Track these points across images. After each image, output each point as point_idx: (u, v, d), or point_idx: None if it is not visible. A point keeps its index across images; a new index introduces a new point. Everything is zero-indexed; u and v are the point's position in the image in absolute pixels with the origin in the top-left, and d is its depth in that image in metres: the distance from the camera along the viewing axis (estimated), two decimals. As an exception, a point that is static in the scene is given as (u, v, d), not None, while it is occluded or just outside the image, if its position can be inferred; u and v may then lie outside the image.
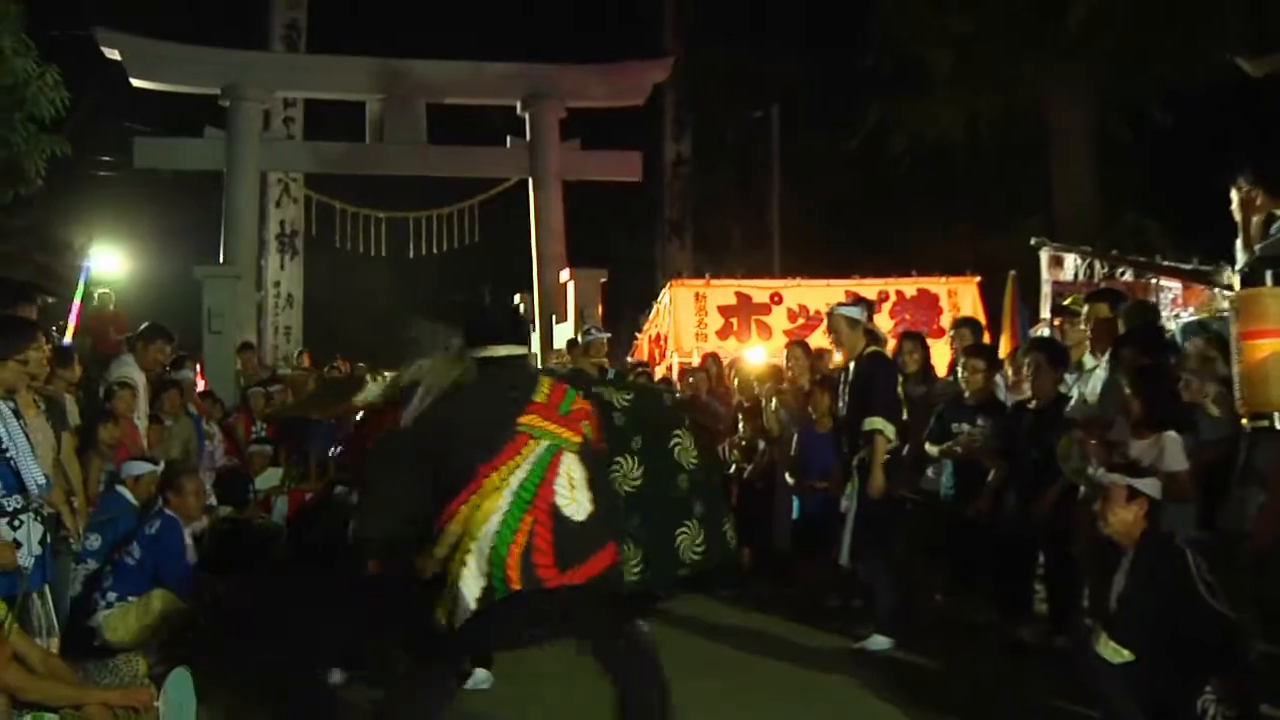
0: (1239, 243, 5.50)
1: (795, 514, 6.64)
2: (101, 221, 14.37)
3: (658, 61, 15.98)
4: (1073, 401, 5.24)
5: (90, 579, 5.00)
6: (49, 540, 3.94)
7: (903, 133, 14.78)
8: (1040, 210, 13.89)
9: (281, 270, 16.97)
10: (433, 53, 14.61)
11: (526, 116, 14.55)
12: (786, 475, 6.67)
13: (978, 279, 11.02)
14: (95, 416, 5.63)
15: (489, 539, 3.04)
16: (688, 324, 10.82)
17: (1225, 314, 5.31)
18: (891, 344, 6.51)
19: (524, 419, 3.21)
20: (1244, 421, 4.53)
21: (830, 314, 5.61)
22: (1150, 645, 3.53)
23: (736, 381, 8.21)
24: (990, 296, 10.48)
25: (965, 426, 5.70)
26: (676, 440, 3.49)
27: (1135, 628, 3.58)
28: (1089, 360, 5.60)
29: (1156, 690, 3.51)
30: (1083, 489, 4.65)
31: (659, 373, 10.09)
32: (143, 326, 6.91)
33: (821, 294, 10.44)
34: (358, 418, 5.27)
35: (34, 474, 3.80)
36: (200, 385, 9.63)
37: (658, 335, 11.46)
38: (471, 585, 3.02)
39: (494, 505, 3.07)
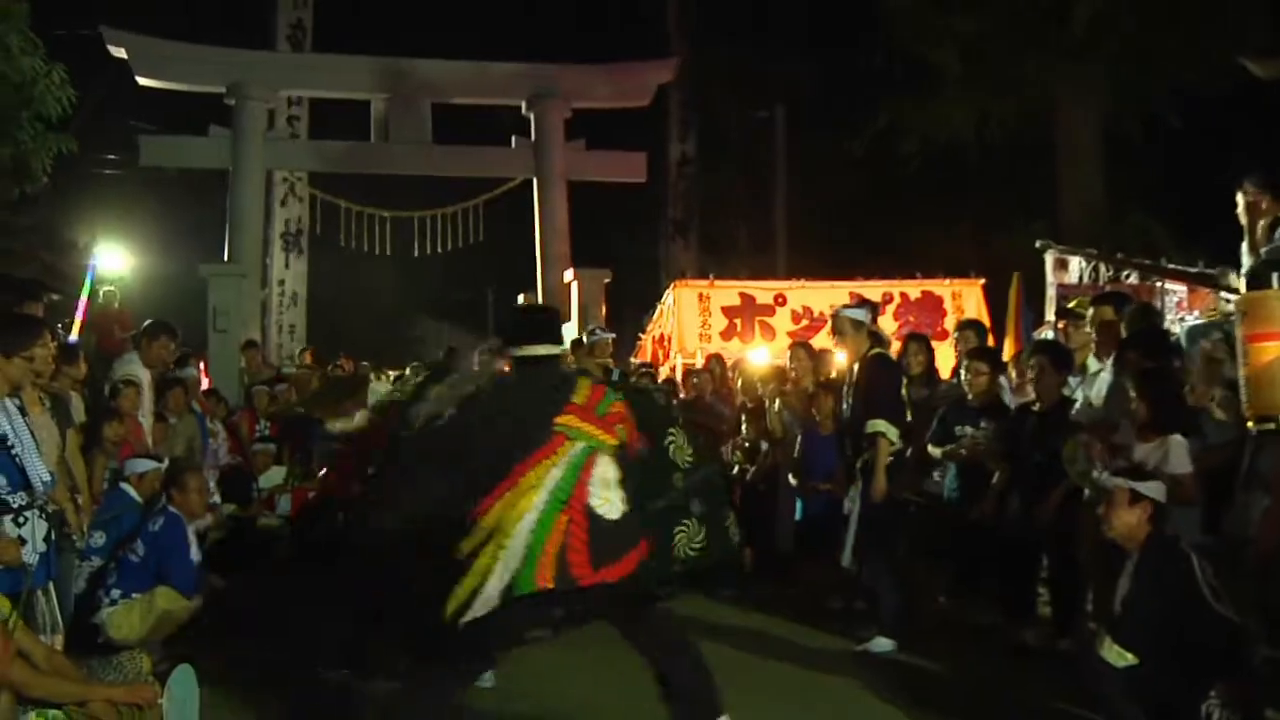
0: (1245, 246, 5.49)
1: (798, 515, 6.64)
2: (107, 219, 14.43)
3: (663, 62, 15.98)
4: (1078, 405, 5.23)
5: (94, 576, 5.01)
6: (53, 537, 3.95)
7: (913, 134, 14.76)
8: (1047, 212, 13.87)
9: (286, 269, 16.99)
10: (438, 52, 14.62)
11: (531, 116, 14.55)
12: (789, 477, 6.66)
13: (982, 281, 11.00)
14: (100, 414, 5.64)
15: (524, 536, 3.09)
16: (691, 325, 10.81)
17: (1231, 317, 5.30)
18: (896, 346, 6.50)
19: (561, 419, 3.27)
20: (1249, 424, 4.52)
21: (835, 316, 5.60)
22: (1154, 649, 3.52)
23: (740, 383, 8.20)
24: (995, 299, 10.47)
25: (968, 429, 5.69)
26: (671, 439, 3.53)
27: (1139, 631, 3.57)
28: (1093, 363, 5.59)
29: (1160, 694, 3.50)
30: (1087, 492, 4.65)
31: (662, 373, 10.09)
32: (146, 323, 6.92)
33: (826, 295, 10.43)
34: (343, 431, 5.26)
35: (39, 471, 3.81)
36: (204, 383, 9.64)
37: (661, 336, 11.45)
38: (497, 580, 3.07)
39: (529, 503, 3.12)
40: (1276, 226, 5.25)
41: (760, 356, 9.78)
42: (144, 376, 6.38)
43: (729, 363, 9.05)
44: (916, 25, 13.86)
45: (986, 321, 9.04)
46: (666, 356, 11.05)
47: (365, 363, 11.20)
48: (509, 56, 14.80)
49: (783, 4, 18.77)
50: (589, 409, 3.32)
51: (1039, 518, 5.03)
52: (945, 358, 7.91)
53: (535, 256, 14.70)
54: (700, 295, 10.98)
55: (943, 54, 13.80)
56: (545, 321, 3.73)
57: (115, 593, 4.83)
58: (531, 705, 4.40)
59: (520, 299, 15.16)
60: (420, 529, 3.32)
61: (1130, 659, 3.53)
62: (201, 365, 10.14)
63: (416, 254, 15.20)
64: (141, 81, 13.47)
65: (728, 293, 11.01)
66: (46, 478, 3.86)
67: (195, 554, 5.16)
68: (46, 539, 3.84)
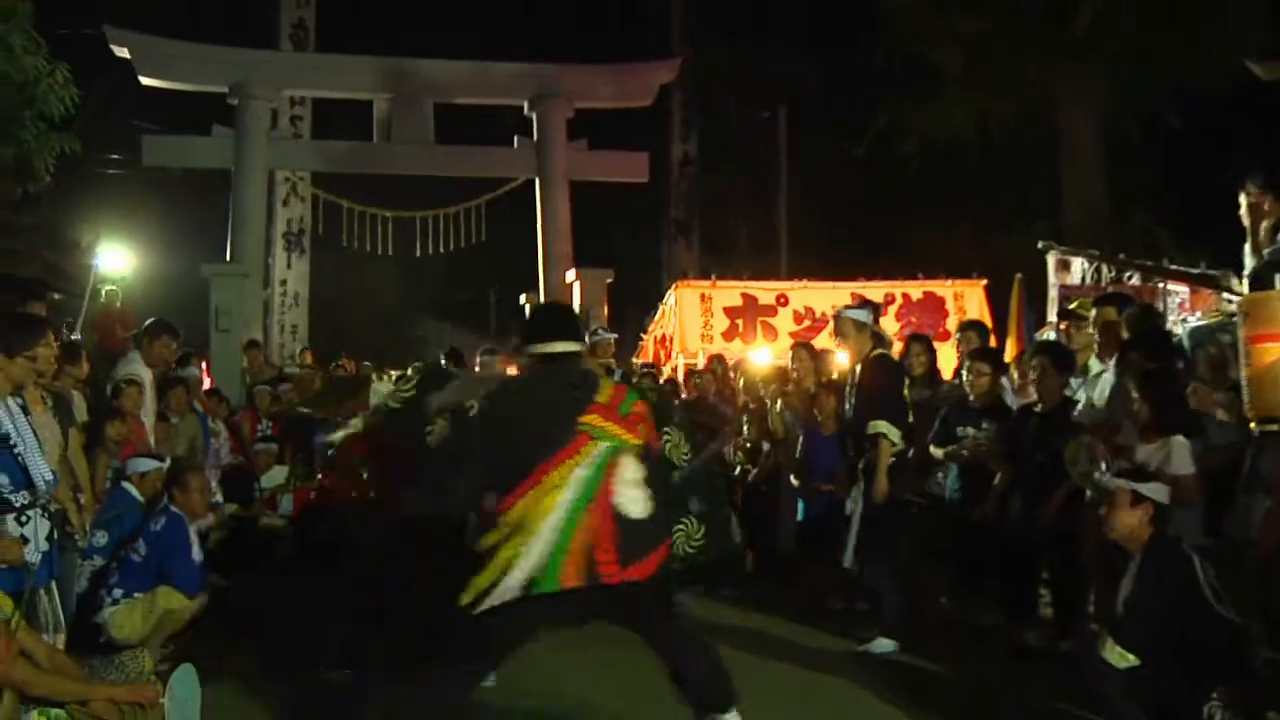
0: (1247, 247, 5.49)
1: (800, 516, 6.64)
2: (109, 219, 14.45)
3: (665, 62, 15.99)
4: (1080, 406, 5.23)
5: (96, 575, 5.01)
6: (56, 536, 3.96)
7: (913, 134, 14.76)
8: (1049, 213, 13.87)
9: (288, 269, 17.01)
10: (441, 52, 14.64)
11: (534, 117, 14.56)
12: (791, 477, 6.66)
13: (984, 282, 11.01)
14: (102, 413, 5.64)
15: (550, 535, 3.12)
16: (693, 325, 10.82)
17: (1234, 318, 5.29)
18: (898, 347, 6.50)
19: (585, 418, 3.29)
20: (1251, 426, 4.52)
21: (837, 317, 5.59)
22: (1156, 651, 3.52)
23: (742, 383, 8.20)
24: (997, 300, 10.47)
25: (970, 430, 5.69)
26: (667, 438, 3.55)
27: (1141, 633, 3.57)
28: (1094, 364, 5.59)
29: (1162, 696, 3.50)
30: (1089, 493, 4.64)
31: (664, 374, 10.09)
32: (148, 322, 6.92)
33: (827, 296, 10.44)
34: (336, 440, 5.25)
35: (41, 470, 3.82)
36: (206, 383, 9.65)
37: (663, 336, 11.46)
38: (520, 574, 3.09)
39: (554, 501, 3.15)
40: (1279, 228, 5.24)
41: (762, 357, 9.78)
42: (146, 376, 6.38)
43: (730, 363, 9.05)
44: (917, 25, 13.86)
45: (988, 322, 9.04)
46: (668, 357, 11.05)
47: (367, 363, 11.20)
48: (512, 56, 14.82)
49: (784, 4, 18.78)
50: (612, 408, 3.35)
51: (1041, 519, 5.03)
52: (947, 358, 7.90)
53: (537, 256, 14.71)
54: (702, 295, 10.99)
55: (943, 54, 13.81)
56: (565, 318, 3.72)
57: (117, 592, 4.84)
58: (531, 705, 4.40)
59: (522, 299, 15.19)
60: (429, 524, 3.34)
61: (1132, 660, 3.53)
62: (203, 365, 10.15)
63: (419, 254, 15.23)
64: (144, 81, 13.49)
65: (730, 293, 11.02)
66: (49, 477, 3.87)
67: (197, 554, 5.16)
68: (49, 538, 3.85)
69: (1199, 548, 3.89)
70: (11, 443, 3.74)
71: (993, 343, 7.50)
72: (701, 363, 9.89)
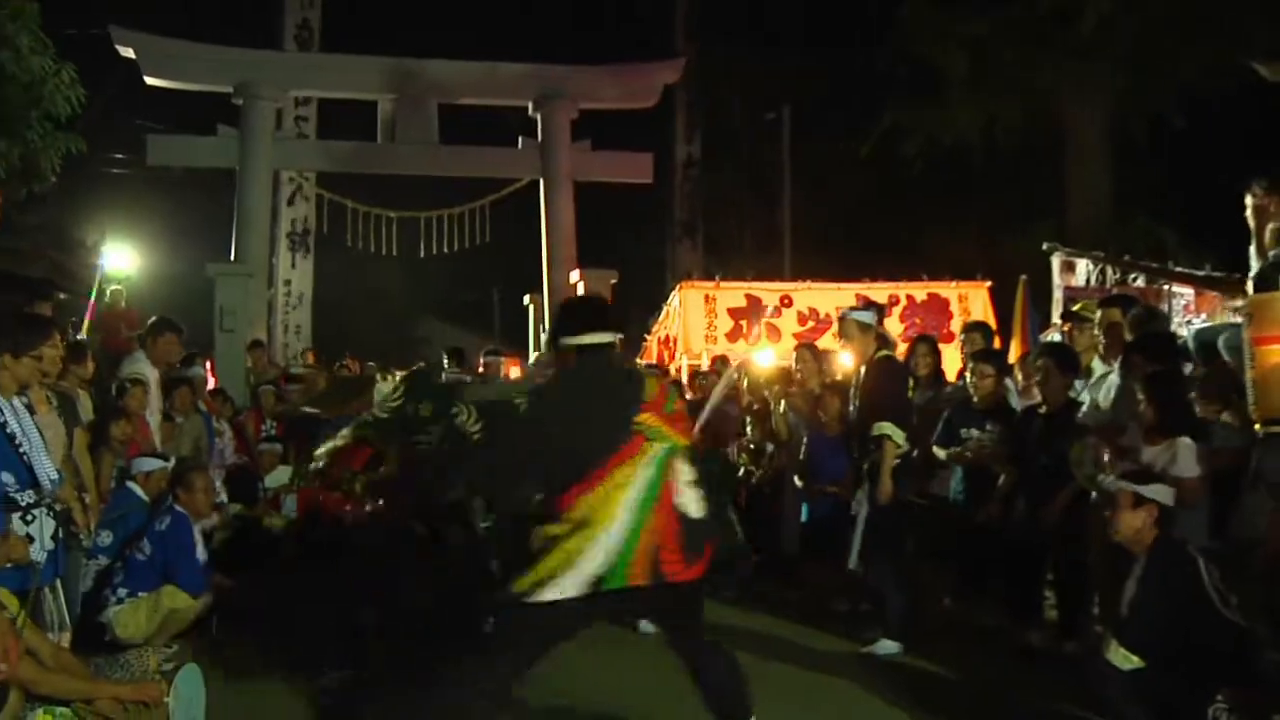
0: (1253, 249, 5.47)
1: (804, 517, 6.63)
2: (115, 219, 14.47)
3: (669, 63, 16.00)
4: (1085, 407, 5.22)
5: (101, 575, 5.03)
6: (61, 535, 3.96)
7: (918, 136, 14.75)
8: (1053, 214, 13.85)
9: (293, 269, 17.03)
10: (445, 53, 14.66)
11: (538, 117, 14.57)
12: (795, 479, 6.66)
13: (989, 283, 11.00)
14: (107, 413, 5.65)
15: (619, 534, 3.14)
16: (697, 326, 10.81)
17: (1238, 321, 5.28)
18: (901, 348, 6.50)
19: (640, 418, 3.31)
20: (1256, 427, 4.50)
21: (841, 318, 5.60)
22: (1160, 652, 3.51)
23: (745, 384, 8.19)
24: (1001, 301, 10.46)
25: (974, 431, 5.68)
26: None
27: (1146, 635, 3.56)
28: (1099, 366, 5.57)
29: (1166, 698, 3.49)
30: (1094, 495, 4.64)
31: (668, 374, 10.09)
32: (151, 321, 6.93)
33: (832, 297, 10.43)
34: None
35: (46, 469, 3.83)
36: (210, 383, 9.66)
37: (667, 337, 11.46)
38: (587, 568, 3.11)
39: (620, 499, 3.17)
40: (1285, 230, 5.22)
41: (766, 358, 9.77)
42: (151, 375, 6.40)
43: (734, 364, 9.04)
44: (917, 26, 13.85)
45: (993, 324, 9.03)
46: (672, 358, 11.05)
47: (371, 363, 11.22)
48: (516, 57, 14.83)
49: (789, 6, 18.78)
50: (659, 407, 3.36)
51: (1045, 520, 5.02)
52: (952, 360, 7.89)
53: (541, 257, 14.73)
54: (706, 296, 10.99)
55: (949, 56, 13.79)
56: (598, 308, 3.70)
57: (122, 591, 4.86)
58: (531, 705, 4.40)
59: (526, 300, 15.20)
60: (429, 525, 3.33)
61: (1136, 662, 3.53)
62: (208, 365, 10.17)
63: (423, 254, 15.25)
64: (150, 81, 13.53)
65: (733, 294, 11.02)
66: (54, 476, 3.88)
67: (201, 553, 5.17)
68: (54, 537, 3.86)
69: (1204, 550, 3.89)
70: (17, 442, 3.75)
71: (997, 344, 7.49)
72: (705, 364, 9.90)
